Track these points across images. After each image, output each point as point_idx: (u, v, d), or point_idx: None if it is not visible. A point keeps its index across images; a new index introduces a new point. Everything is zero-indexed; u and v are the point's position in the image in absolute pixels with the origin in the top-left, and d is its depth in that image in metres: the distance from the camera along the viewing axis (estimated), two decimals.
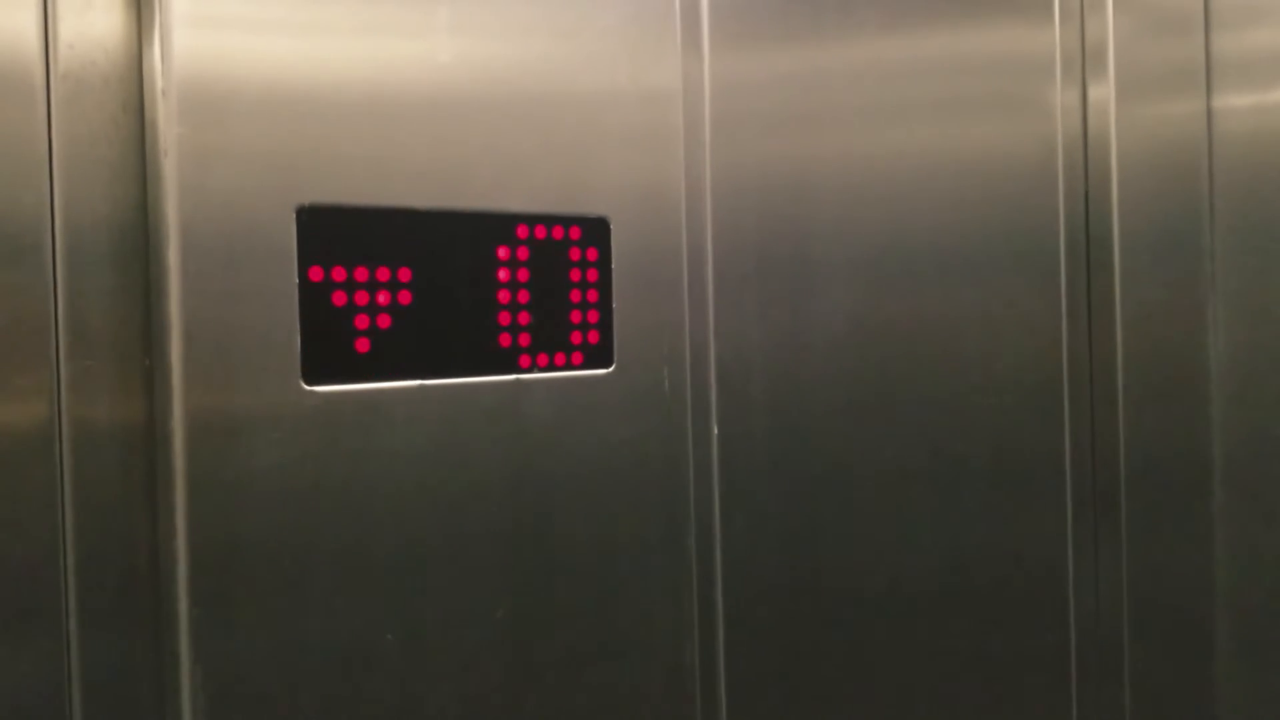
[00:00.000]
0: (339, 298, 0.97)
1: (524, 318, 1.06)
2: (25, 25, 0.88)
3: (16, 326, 0.87)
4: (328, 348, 0.96)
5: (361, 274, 0.98)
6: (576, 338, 1.09)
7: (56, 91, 0.89)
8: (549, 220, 1.07)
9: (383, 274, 0.99)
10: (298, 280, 0.94)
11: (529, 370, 1.07)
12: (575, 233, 1.08)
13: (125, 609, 0.92)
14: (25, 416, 0.88)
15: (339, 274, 0.97)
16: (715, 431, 1.20)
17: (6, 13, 0.87)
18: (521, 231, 1.06)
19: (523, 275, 1.06)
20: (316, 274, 0.95)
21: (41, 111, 0.88)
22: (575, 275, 1.09)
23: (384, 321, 0.99)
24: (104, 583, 0.91)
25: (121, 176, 0.91)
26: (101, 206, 0.91)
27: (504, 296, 1.05)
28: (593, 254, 1.10)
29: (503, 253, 1.05)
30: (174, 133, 0.90)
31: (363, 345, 0.98)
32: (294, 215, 0.94)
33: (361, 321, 0.98)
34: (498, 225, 1.05)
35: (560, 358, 1.08)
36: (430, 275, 1.01)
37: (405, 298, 1.00)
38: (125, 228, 0.91)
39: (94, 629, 0.91)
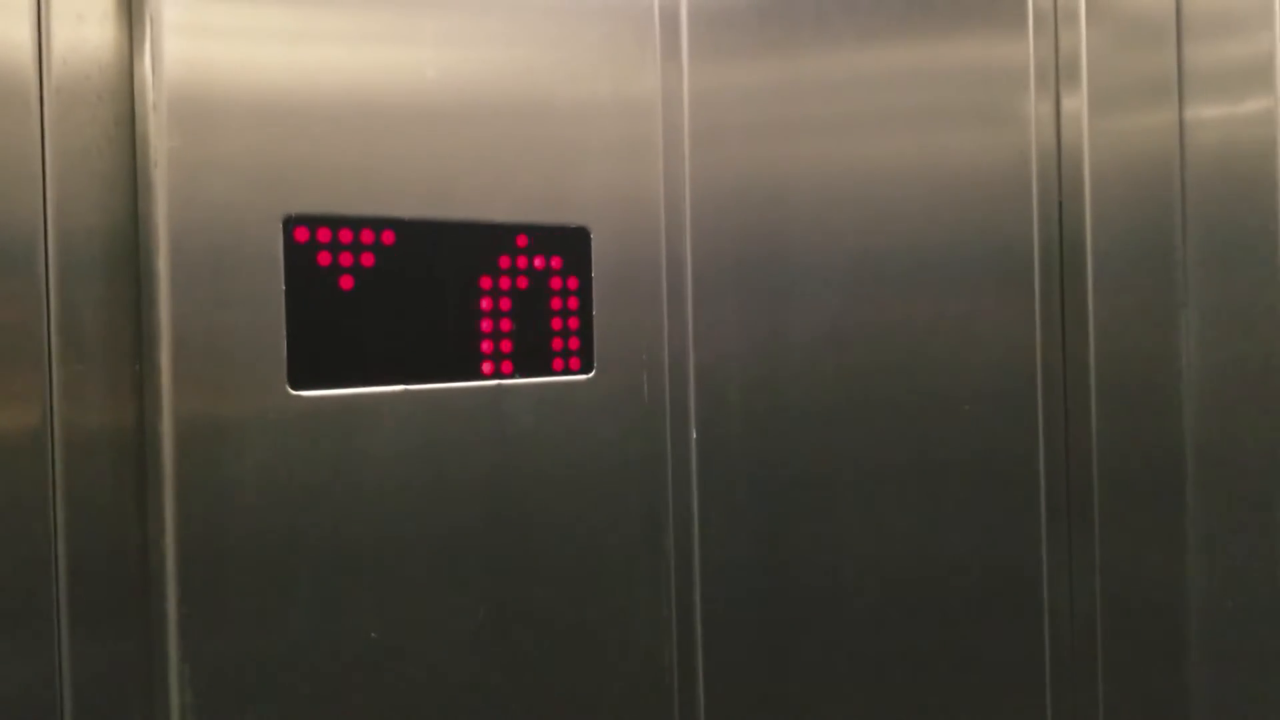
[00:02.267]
0: (324, 304, 0.98)
1: (506, 324, 1.08)
2: (20, 41, 0.90)
3: (10, 332, 0.89)
4: (313, 353, 0.98)
5: (347, 281, 0.99)
6: (557, 344, 1.11)
7: (50, 105, 0.91)
8: (530, 229, 1.09)
9: (367, 281, 1.00)
10: (284, 287, 0.96)
11: (511, 376, 1.08)
12: (556, 242, 1.10)
13: (115, 609, 0.93)
14: (18, 419, 0.90)
15: (324, 281, 0.98)
16: (694, 436, 1.22)
17: (2, 29, 0.89)
18: (504, 240, 1.08)
19: (504, 283, 1.08)
20: (302, 281, 0.97)
21: (36, 124, 0.90)
22: (556, 283, 1.11)
23: (368, 328, 1.01)
24: (94, 583, 0.92)
25: (113, 187, 0.93)
26: (94, 216, 0.92)
27: (486, 304, 1.07)
28: (573, 262, 1.12)
29: (485, 261, 1.07)
30: (164, 145, 0.91)
31: (348, 350, 1.00)
32: (281, 224, 0.96)
33: (347, 327, 1.00)
34: (480, 234, 1.06)
35: (541, 364, 1.10)
36: (414, 283, 1.03)
37: (389, 305, 1.01)
38: (117, 237, 0.93)
39: (84, 628, 0.92)
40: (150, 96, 0.92)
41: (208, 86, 0.93)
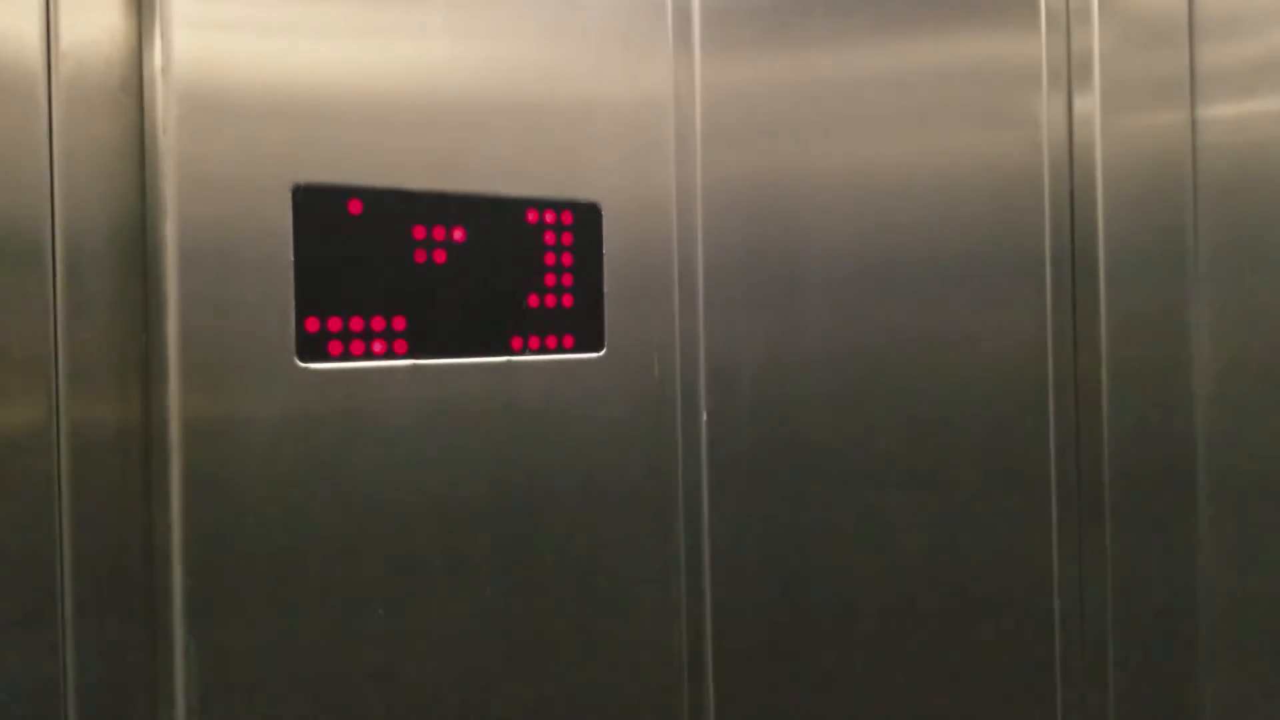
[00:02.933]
0: (333, 276, 0.97)
1: (516, 300, 1.07)
2: (28, 5, 0.89)
3: (16, 297, 0.88)
4: (322, 325, 0.97)
5: (356, 252, 0.99)
6: (568, 321, 1.10)
7: (58, 71, 0.90)
8: (541, 204, 1.08)
9: (377, 254, 1.00)
10: (293, 258, 0.95)
11: (521, 352, 1.07)
12: (568, 217, 1.10)
13: (120, 598, 0.92)
14: (21, 394, 0.88)
15: (333, 253, 0.97)
16: (704, 417, 1.21)
17: None
18: (515, 215, 1.07)
19: (515, 257, 1.07)
20: (311, 252, 0.96)
21: (43, 90, 0.89)
22: (568, 259, 1.10)
23: (378, 301, 1.00)
24: (99, 571, 0.91)
25: (121, 154, 0.92)
26: (101, 182, 0.91)
27: (497, 279, 1.06)
28: (585, 239, 1.11)
29: (495, 235, 1.06)
30: (173, 111, 0.91)
31: (357, 324, 0.99)
32: (290, 194, 0.95)
33: (356, 300, 0.98)
34: (491, 208, 1.06)
35: (552, 341, 1.09)
36: (424, 256, 1.02)
37: (399, 278, 1.01)
38: (124, 203, 0.92)
39: (89, 618, 0.91)
40: (158, 61, 0.91)
41: (217, 52, 0.92)
